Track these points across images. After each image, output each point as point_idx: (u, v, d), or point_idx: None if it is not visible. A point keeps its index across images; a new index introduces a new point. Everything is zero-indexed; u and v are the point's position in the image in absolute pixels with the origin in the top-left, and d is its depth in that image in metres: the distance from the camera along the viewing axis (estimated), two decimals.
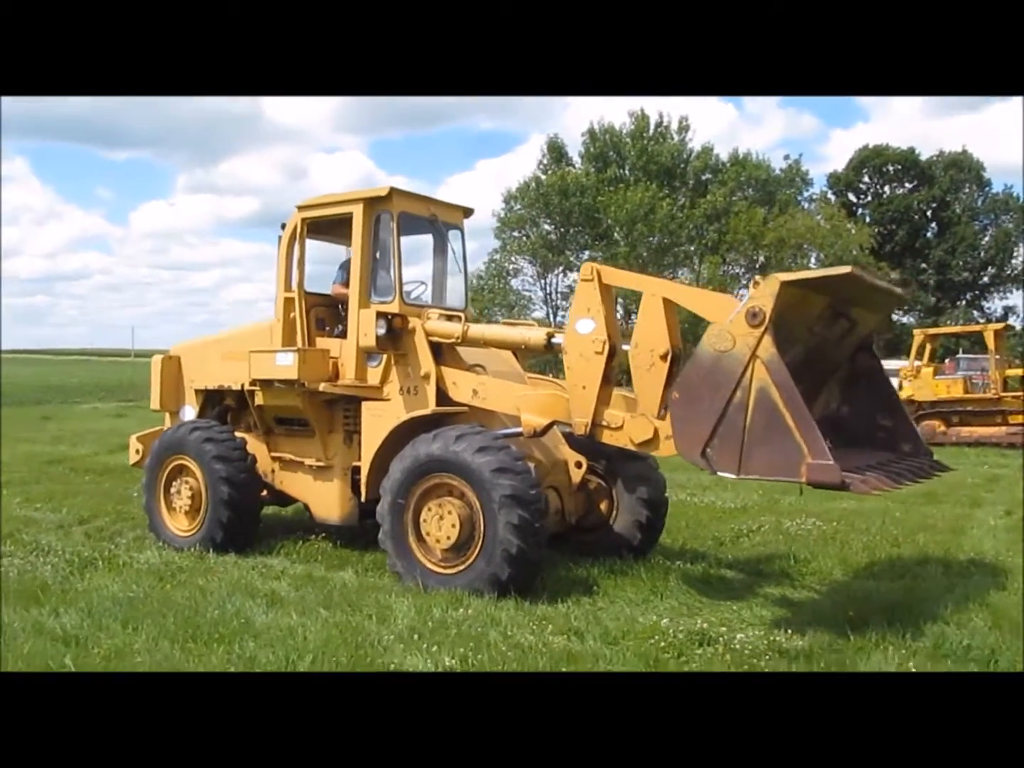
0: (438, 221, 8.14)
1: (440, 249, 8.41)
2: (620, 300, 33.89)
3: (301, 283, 7.88)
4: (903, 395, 19.53)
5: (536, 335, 7.17)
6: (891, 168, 54.48)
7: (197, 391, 8.76)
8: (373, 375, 7.46)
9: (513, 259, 45.22)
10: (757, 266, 41.68)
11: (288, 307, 7.90)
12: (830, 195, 53.17)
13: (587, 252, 43.41)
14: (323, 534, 8.22)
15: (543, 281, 46.08)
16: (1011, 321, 48.27)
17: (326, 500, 7.94)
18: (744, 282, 38.82)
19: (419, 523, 6.61)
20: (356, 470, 7.62)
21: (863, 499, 9.62)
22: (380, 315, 7.18)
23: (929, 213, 54.12)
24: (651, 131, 44.04)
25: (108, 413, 26.82)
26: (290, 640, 5.29)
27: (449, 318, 7.55)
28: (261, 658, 4.99)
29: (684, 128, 44.50)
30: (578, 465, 7.40)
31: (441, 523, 6.46)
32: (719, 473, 5.35)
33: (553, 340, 6.97)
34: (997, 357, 20.26)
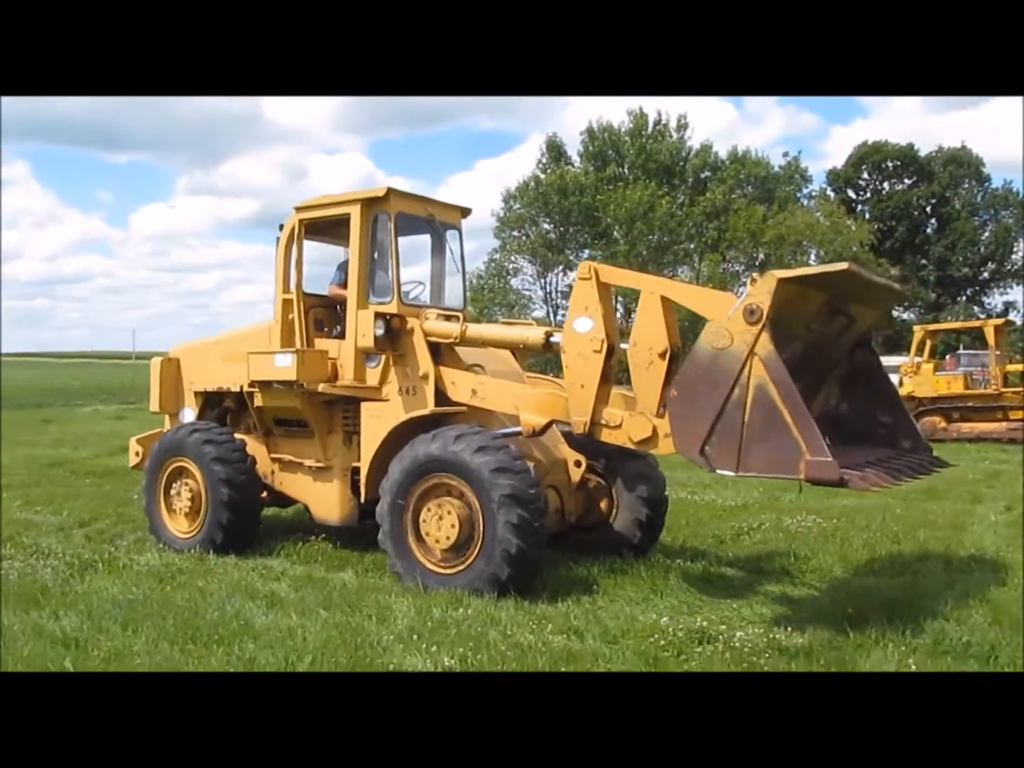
0: (436, 221, 8.14)
1: (438, 249, 8.41)
2: (620, 299, 33.93)
3: (299, 284, 7.88)
4: (904, 391, 19.53)
5: (534, 334, 7.17)
6: (890, 164, 54.36)
7: (196, 393, 8.76)
8: (372, 376, 7.46)
9: (513, 258, 45.19)
10: (757, 263, 41.63)
11: (287, 308, 7.90)
12: (829, 192, 53.08)
13: (587, 251, 43.36)
14: (323, 535, 8.23)
15: (543, 280, 46.06)
16: (1011, 316, 48.11)
17: (326, 501, 7.94)
18: (744, 280, 38.74)
19: (418, 523, 6.61)
20: (356, 471, 7.63)
21: (863, 496, 9.63)
22: (378, 316, 7.18)
23: (929, 209, 54.01)
24: (650, 129, 43.98)
25: (109, 415, 26.83)
26: (289, 641, 5.29)
27: (447, 318, 7.55)
28: (261, 659, 4.99)
29: (683, 126, 44.48)
30: (577, 464, 7.40)
31: (440, 523, 6.46)
32: (718, 471, 5.35)
33: (551, 339, 6.97)
34: (997, 353, 20.24)
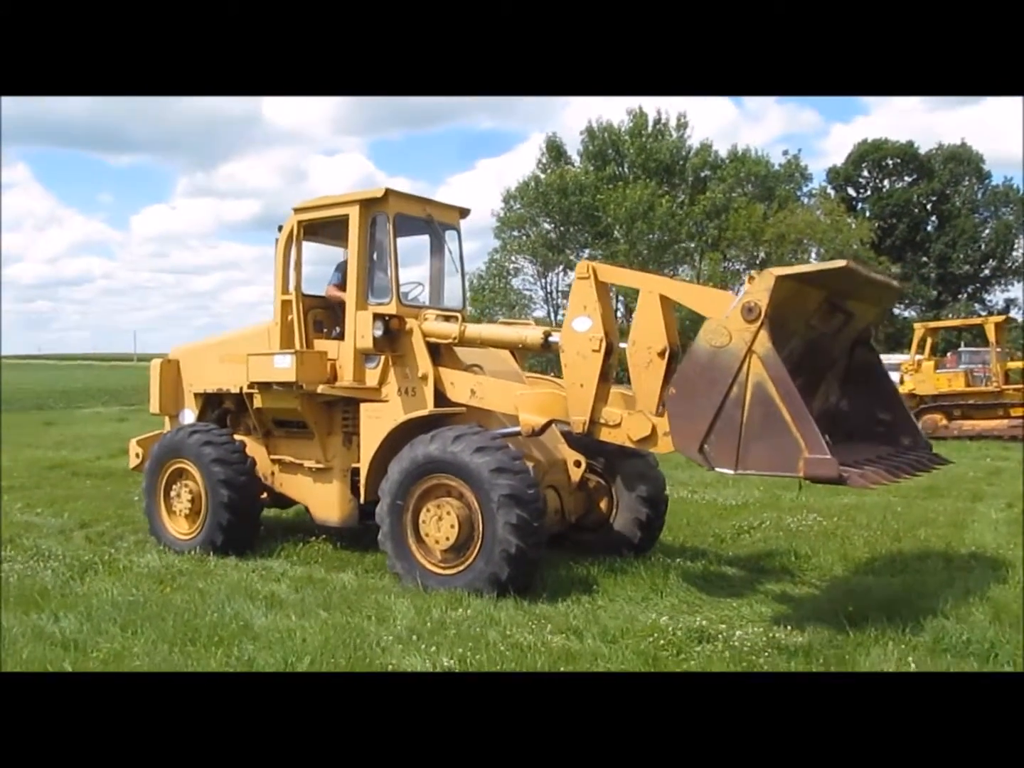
0: (434, 222, 8.13)
1: (437, 250, 8.41)
2: (620, 298, 33.94)
3: (299, 285, 7.88)
4: (904, 389, 19.52)
5: (533, 334, 7.17)
6: (890, 162, 54.31)
7: (196, 394, 8.76)
8: (371, 376, 7.46)
9: (513, 258, 45.21)
10: (758, 262, 41.61)
11: (286, 309, 7.90)
12: (830, 190, 53.01)
13: (587, 250, 43.38)
14: (323, 536, 8.23)
15: (544, 280, 46.10)
16: (1012, 314, 48.12)
17: (326, 502, 7.93)
18: (744, 278, 38.68)
19: (418, 524, 6.61)
20: (355, 471, 7.62)
21: (864, 494, 9.63)
22: (377, 317, 7.18)
23: (929, 206, 53.96)
24: (650, 128, 43.99)
25: (110, 417, 26.87)
26: (288, 642, 5.29)
27: (446, 318, 7.55)
28: (259, 660, 4.99)
29: (683, 125, 44.49)
30: (577, 464, 7.40)
31: (440, 524, 6.46)
32: (717, 469, 5.34)
33: (550, 339, 6.97)
34: (998, 350, 20.21)
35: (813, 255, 41.10)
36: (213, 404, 8.79)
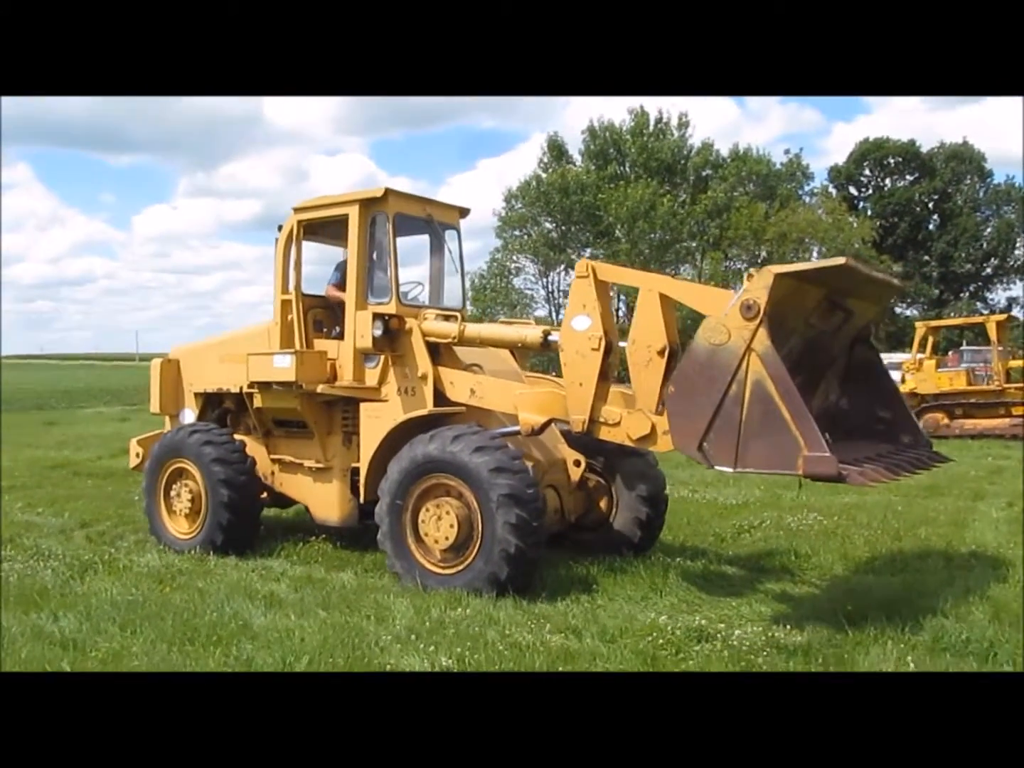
0: (434, 221, 8.13)
1: (436, 249, 8.41)
2: (621, 297, 33.92)
3: (298, 285, 7.88)
4: (906, 388, 19.50)
5: (532, 333, 7.16)
6: (892, 161, 54.25)
7: (196, 394, 8.77)
8: (371, 376, 7.46)
9: (515, 258, 45.13)
10: (759, 261, 41.51)
11: (286, 309, 7.90)
12: (831, 189, 52.94)
13: (588, 250, 43.29)
14: (323, 535, 8.23)
15: (545, 279, 46.02)
16: (1014, 312, 48.12)
17: (326, 501, 7.94)
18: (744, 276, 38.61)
19: (417, 524, 6.61)
20: (355, 471, 7.62)
21: (865, 493, 9.62)
22: (376, 316, 7.18)
23: (931, 205, 53.87)
24: (651, 128, 43.91)
25: (112, 417, 26.91)
26: (287, 641, 5.29)
27: (446, 318, 7.54)
28: (258, 660, 4.99)
29: (684, 124, 44.40)
30: (577, 463, 7.39)
31: (439, 523, 6.45)
32: (716, 467, 5.33)
33: (549, 338, 6.97)
34: (1000, 348, 20.19)
35: (815, 254, 41.03)
36: (213, 404, 8.79)
